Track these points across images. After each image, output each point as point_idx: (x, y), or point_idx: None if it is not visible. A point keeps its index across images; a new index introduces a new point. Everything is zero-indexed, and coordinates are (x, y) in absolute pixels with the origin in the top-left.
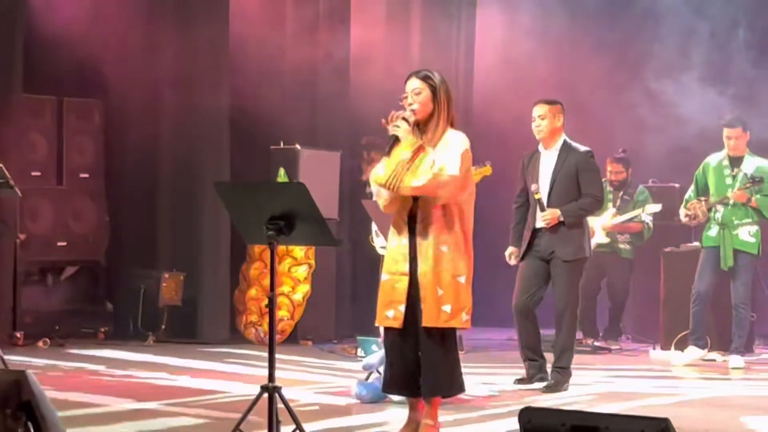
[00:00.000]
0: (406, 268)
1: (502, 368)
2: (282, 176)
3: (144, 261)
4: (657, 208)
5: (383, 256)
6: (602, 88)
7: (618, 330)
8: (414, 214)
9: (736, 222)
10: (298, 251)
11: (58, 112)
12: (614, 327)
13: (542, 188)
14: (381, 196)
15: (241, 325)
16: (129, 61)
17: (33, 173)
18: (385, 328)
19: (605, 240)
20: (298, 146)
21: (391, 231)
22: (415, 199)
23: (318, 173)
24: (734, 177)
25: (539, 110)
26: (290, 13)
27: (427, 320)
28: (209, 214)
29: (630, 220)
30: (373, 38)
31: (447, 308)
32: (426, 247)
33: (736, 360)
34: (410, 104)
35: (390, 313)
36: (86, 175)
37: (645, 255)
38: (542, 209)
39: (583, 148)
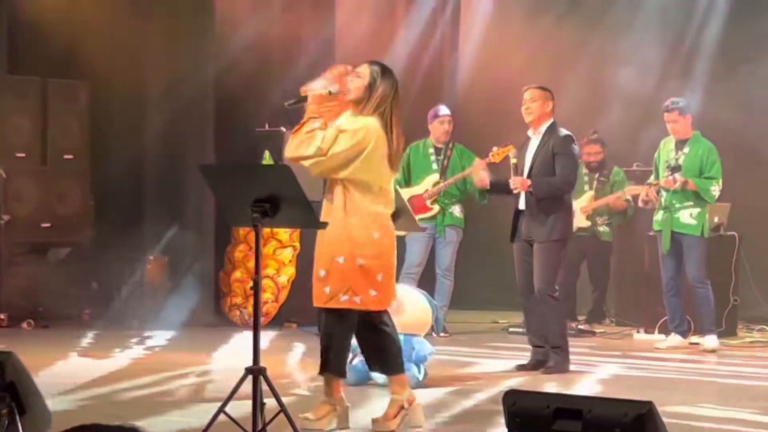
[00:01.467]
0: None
1: (483, 351)
2: (267, 158)
3: (128, 243)
4: (641, 189)
5: None
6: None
7: (601, 313)
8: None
9: (677, 205)
10: (283, 234)
11: (42, 93)
12: (597, 310)
13: (524, 172)
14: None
15: (226, 307)
16: (114, 43)
17: (17, 154)
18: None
19: (585, 224)
20: (283, 129)
21: None
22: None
23: None
24: (677, 160)
25: (529, 94)
26: None
27: (314, 300)
28: (194, 196)
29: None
30: (358, 20)
31: (327, 289)
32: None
33: (710, 340)
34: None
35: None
36: (71, 157)
37: (628, 238)
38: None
39: (564, 132)
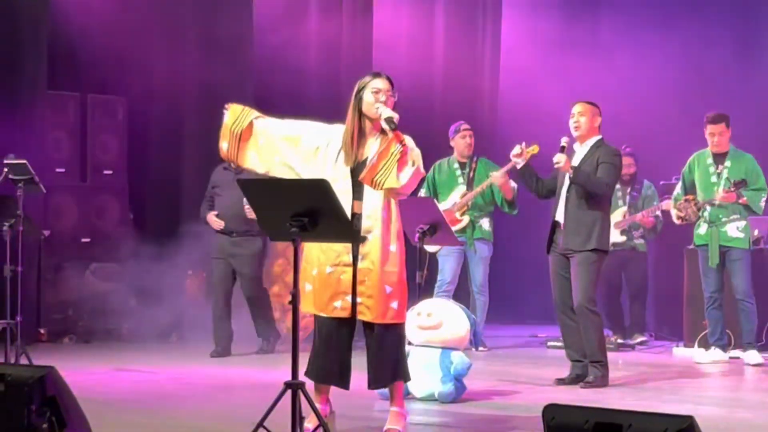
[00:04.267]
0: (349, 259)
1: (522, 365)
2: None
3: (167, 257)
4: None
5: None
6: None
7: (641, 326)
8: (357, 210)
9: (723, 219)
10: None
11: (81, 109)
12: (637, 323)
13: (566, 179)
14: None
15: None
16: (152, 58)
17: (57, 170)
18: (326, 319)
19: (621, 239)
20: None
21: None
22: (357, 191)
23: None
24: (719, 174)
25: (579, 108)
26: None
27: (377, 316)
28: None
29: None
30: (396, 24)
31: (394, 305)
32: (372, 242)
33: (752, 356)
34: (383, 101)
35: (338, 304)
36: (110, 172)
37: (665, 252)
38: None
39: (612, 147)
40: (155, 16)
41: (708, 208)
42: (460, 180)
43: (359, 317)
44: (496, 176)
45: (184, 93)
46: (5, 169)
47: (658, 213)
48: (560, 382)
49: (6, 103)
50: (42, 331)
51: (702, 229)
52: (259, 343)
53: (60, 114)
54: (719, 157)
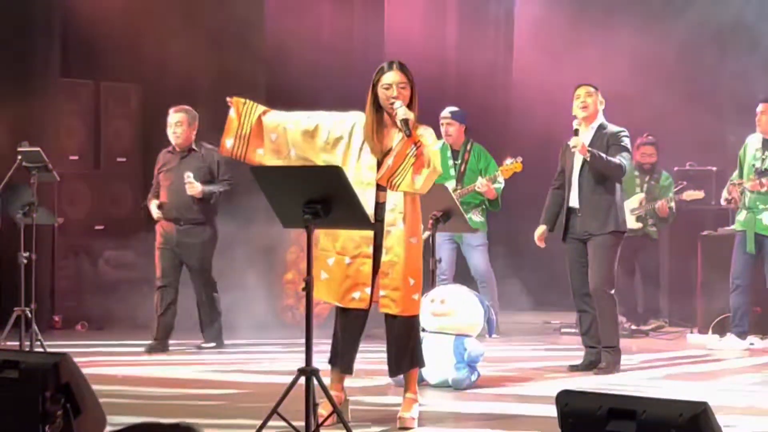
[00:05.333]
0: (369, 250)
1: (535, 352)
2: None
3: None
4: (700, 194)
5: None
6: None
7: (655, 312)
8: (382, 200)
9: (760, 207)
10: None
11: (95, 96)
12: (650, 309)
13: (575, 164)
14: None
15: (278, 309)
16: (165, 46)
17: (71, 157)
18: (344, 309)
19: (636, 225)
20: None
21: None
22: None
23: None
24: (764, 160)
25: (584, 90)
26: None
27: (404, 309)
28: (246, 197)
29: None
30: (408, 17)
31: (416, 296)
32: (396, 235)
33: None
34: (395, 97)
35: (356, 295)
36: (123, 159)
37: (679, 239)
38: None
39: (618, 127)
40: (168, 3)
41: (748, 194)
42: (452, 172)
43: (383, 310)
44: (481, 186)
45: (197, 80)
46: (19, 157)
47: (672, 204)
48: (574, 368)
49: (19, 91)
50: (56, 318)
51: (741, 215)
52: (205, 340)
53: (73, 101)
54: (767, 143)
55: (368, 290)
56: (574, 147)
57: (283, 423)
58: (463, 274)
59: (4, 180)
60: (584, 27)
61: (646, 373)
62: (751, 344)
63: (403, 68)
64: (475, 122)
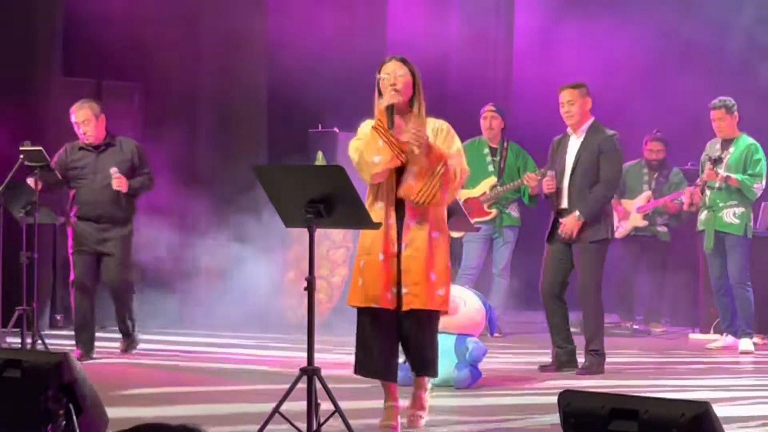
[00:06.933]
0: (395, 249)
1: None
2: (320, 159)
3: (182, 245)
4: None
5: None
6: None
7: (658, 313)
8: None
9: (720, 204)
10: (336, 234)
11: (97, 95)
12: (654, 310)
13: (567, 166)
14: (369, 169)
15: (280, 308)
16: (168, 45)
17: None
18: (374, 311)
19: (642, 223)
20: (336, 129)
21: (374, 210)
22: (400, 179)
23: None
24: (721, 159)
25: (567, 96)
26: None
27: (425, 303)
28: (248, 198)
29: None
30: (411, 16)
31: (441, 292)
32: (416, 230)
33: (745, 343)
34: (393, 84)
35: (387, 295)
36: None
37: (683, 238)
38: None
39: (609, 131)
40: (170, 2)
41: (708, 193)
42: (491, 168)
43: (406, 307)
44: (529, 180)
45: (199, 79)
46: (21, 156)
47: (682, 198)
48: (544, 368)
49: (21, 90)
50: (58, 317)
51: (703, 214)
52: (123, 342)
53: (75, 100)
54: (726, 143)
55: (395, 289)
56: (565, 233)
57: (285, 423)
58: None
59: (6, 179)
60: (586, 24)
61: (648, 372)
62: (754, 343)
63: (403, 60)
64: (476, 121)
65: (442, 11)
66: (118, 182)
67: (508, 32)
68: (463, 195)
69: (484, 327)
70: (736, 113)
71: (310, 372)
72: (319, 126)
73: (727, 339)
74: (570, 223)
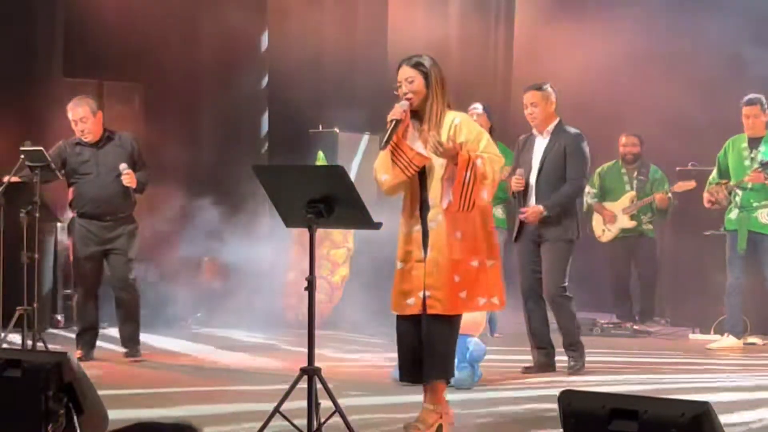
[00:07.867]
0: (420, 254)
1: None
2: (321, 159)
3: (184, 246)
4: (691, 185)
5: None
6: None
7: (653, 311)
8: (424, 199)
9: (755, 204)
10: (337, 234)
11: (98, 95)
12: (648, 308)
13: (534, 166)
14: (381, 187)
15: (280, 308)
16: (169, 46)
17: None
18: (401, 316)
19: (630, 224)
20: (336, 129)
21: (403, 217)
22: (423, 183)
23: (356, 156)
24: (753, 159)
25: (531, 97)
26: None
27: (447, 308)
28: (249, 198)
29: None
30: (411, 17)
31: (463, 294)
32: (437, 231)
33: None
34: (405, 93)
35: (411, 301)
36: None
37: (682, 238)
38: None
39: (573, 130)
40: (170, 2)
41: (740, 192)
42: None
43: (430, 311)
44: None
45: (200, 80)
46: (21, 156)
47: (670, 195)
48: (527, 370)
49: (22, 90)
50: (58, 317)
51: (733, 214)
52: (128, 348)
53: None
54: (754, 142)
55: (421, 294)
56: (524, 219)
57: (285, 422)
58: None
59: (7, 179)
60: (586, 21)
61: (648, 372)
62: (753, 343)
63: (413, 63)
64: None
65: (442, 11)
66: (129, 178)
67: (508, 32)
68: None
69: (484, 327)
70: (767, 110)
71: (311, 372)
72: (319, 126)
73: (728, 339)
74: (533, 211)
